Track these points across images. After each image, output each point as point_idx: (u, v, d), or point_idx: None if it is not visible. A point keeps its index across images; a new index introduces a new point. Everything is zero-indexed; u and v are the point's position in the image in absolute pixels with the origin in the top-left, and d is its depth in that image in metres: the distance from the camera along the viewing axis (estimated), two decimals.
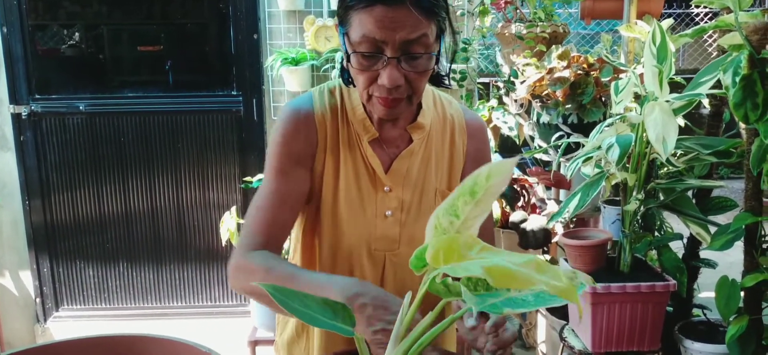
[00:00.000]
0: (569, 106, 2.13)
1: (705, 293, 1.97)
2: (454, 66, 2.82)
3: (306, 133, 1.17)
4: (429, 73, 1.09)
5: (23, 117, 3.08)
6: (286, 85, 2.96)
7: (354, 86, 1.14)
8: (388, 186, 1.19)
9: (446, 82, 1.21)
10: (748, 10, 1.41)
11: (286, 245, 1.33)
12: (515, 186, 2.64)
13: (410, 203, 1.21)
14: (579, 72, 2.10)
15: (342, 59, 1.12)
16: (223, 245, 2.62)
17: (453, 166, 1.25)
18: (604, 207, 1.99)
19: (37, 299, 3.27)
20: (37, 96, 3.10)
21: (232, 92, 3.12)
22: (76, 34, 3.15)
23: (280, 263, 1.07)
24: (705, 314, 1.85)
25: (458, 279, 0.64)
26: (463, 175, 1.26)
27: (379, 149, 1.19)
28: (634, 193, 1.64)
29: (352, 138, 1.18)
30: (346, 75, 1.14)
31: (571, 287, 0.50)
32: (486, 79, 3.34)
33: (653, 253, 1.90)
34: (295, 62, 2.86)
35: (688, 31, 1.57)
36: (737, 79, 1.35)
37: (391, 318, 0.87)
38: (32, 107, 3.08)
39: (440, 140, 1.24)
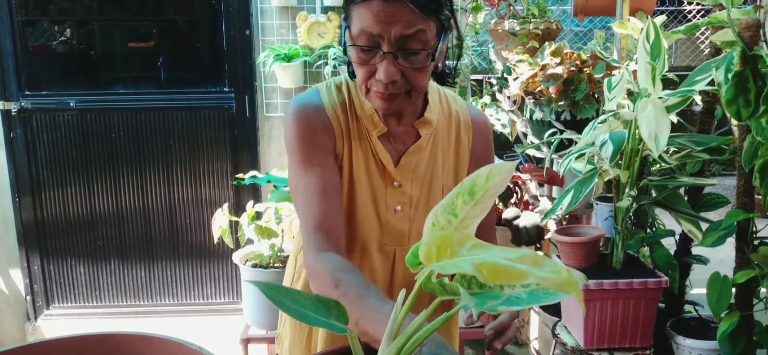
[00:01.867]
0: (562, 102, 2.13)
1: (697, 289, 1.98)
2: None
3: (323, 123, 1.16)
4: (428, 70, 1.09)
5: (13, 113, 3.05)
6: (279, 81, 2.95)
7: None
8: (398, 181, 1.19)
9: (450, 80, 1.22)
10: (740, 7, 1.41)
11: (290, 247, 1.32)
12: (508, 183, 2.64)
13: (418, 198, 1.21)
14: (572, 69, 2.10)
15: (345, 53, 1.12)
16: (215, 242, 2.61)
17: (459, 162, 1.26)
18: (597, 204, 1.99)
19: (28, 297, 3.25)
20: (28, 92, 3.07)
21: (224, 89, 3.11)
22: (67, 30, 3.13)
23: (350, 277, 1.01)
24: (697, 311, 1.86)
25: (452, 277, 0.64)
26: (468, 172, 1.26)
27: (388, 144, 1.19)
28: (627, 190, 1.65)
29: (362, 133, 1.18)
30: (351, 69, 1.14)
31: (570, 279, 0.50)
32: (479, 76, 3.34)
33: (645, 249, 1.91)
34: (288, 58, 2.85)
35: (681, 27, 1.57)
36: (729, 75, 1.35)
37: None
38: (22, 104, 3.06)
39: (446, 137, 1.24)
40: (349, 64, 1.14)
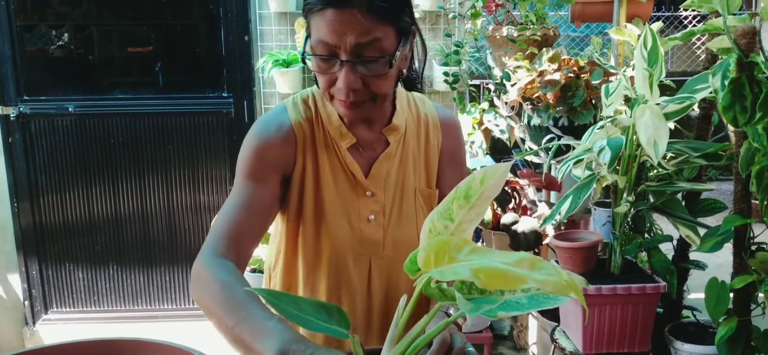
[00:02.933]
0: (560, 108, 2.13)
1: (694, 294, 1.98)
2: (446, 68, 2.82)
3: (282, 143, 1.16)
4: (390, 76, 1.08)
5: (12, 119, 3.05)
6: (278, 87, 2.95)
7: None
8: (370, 191, 1.19)
9: (419, 86, 1.22)
10: (736, 14, 1.42)
11: (264, 256, 1.32)
12: (506, 188, 2.65)
13: (392, 205, 1.21)
14: (569, 75, 2.11)
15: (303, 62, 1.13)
16: None
17: (429, 165, 1.26)
18: (595, 209, 2.00)
19: (26, 302, 3.25)
20: (26, 97, 3.07)
21: (223, 94, 3.11)
22: (65, 34, 3.13)
23: (238, 284, 0.98)
24: (695, 316, 1.86)
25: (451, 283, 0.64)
26: (439, 173, 1.27)
27: (357, 154, 1.20)
28: (625, 195, 1.65)
29: (330, 145, 1.18)
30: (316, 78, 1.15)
31: (571, 282, 0.50)
32: (477, 82, 3.35)
33: (643, 255, 1.91)
34: (287, 64, 2.86)
35: (678, 34, 1.58)
36: (726, 82, 1.36)
37: None
38: (21, 109, 3.06)
39: (416, 140, 1.24)
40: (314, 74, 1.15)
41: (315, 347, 0.77)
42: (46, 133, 3.10)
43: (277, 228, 1.26)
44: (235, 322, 0.89)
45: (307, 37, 1.07)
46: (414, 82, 1.22)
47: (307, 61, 1.07)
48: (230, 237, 1.08)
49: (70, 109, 3.08)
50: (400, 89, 1.23)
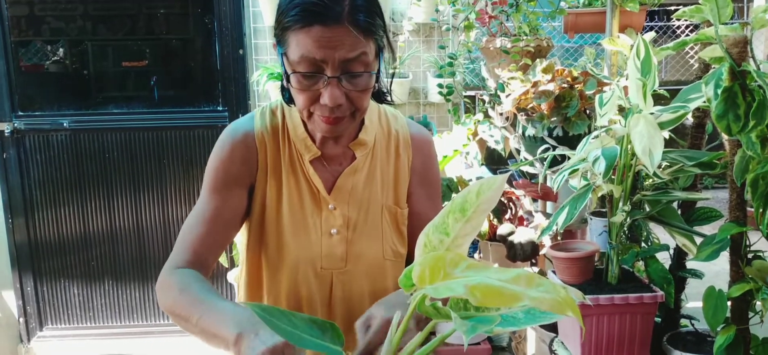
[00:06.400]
0: (554, 119, 2.14)
1: (692, 303, 1.98)
2: (440, 80, 2.83)
3: (245, 154, 1.17)
4: (370, 91, 1.09)
5: (6, 134, 3.04)
6: (272, 100, 2.95)
7: (295, 105, 1.14)
8: (332, 204, 1.19)
9: (389, 98, 1.22)
10: (727, 24, 1.43)
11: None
12: (502, 198, 2.64)
13: (356, 220, 1.20)
14: (563, 85, 2.12)
15: (282, 78, 1.12)
16: None
17: (398, 181, 1.25)
18: (591, 219, 1.99)
19: (21, 319, 3.22)
20: (21, 113, 3.07)
21: (218, 108, 3.11)
22: (60, 50, 3.13)
23: (196, 284, 1.05)
24: (693, 325, 1.86)
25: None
26: (409, 190, 1.26)
27: (322, 167, 1.19)
28: (621, 204, 1.65)
29: (294, 157, 1.18)
30: (287, 94, 1.14)
31: (568, 299, 0.50)
32: (472, 93, 3.36)
33: (640, 264, 1.91)
34: (281, 78, 2.86)
35: (670, 44, 1.58)
36: (719, 91, 1.36)
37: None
38: (15, 124, 3.05)
39: (385, 156, 1.24)
40: (282, 88, 1.14)
41: (261, 325, 0.85)
42: (41, 148, 3.09)
43: (241, 237, 1.26)
44: (198, 317, 0.96)
45: (282, 53, 1.06)
46: (384, 95, 1.21)
47: (290, 79, 1.06)
48: (192, 251, 1.13)
49: (64, 124, 3.07)
50: (372, 103, 1.23)
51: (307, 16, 1.00)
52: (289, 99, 1.14)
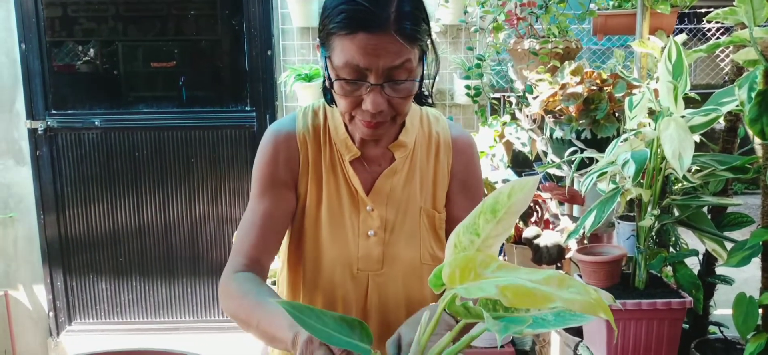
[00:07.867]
0: (582, 121, 2.12)
1: (721, 309, 1.94)
2: (467, 82, 2.82)
3: (287, 155, 1.18)
4: (412, 96, 1.09)
5: (39, 132, 3.12)
6: (300, 101, 2.98)
7: (336, 106, 1.13)
8: (371, 206, 1.18)
9: (430, 101, 1.21)
10: (763, 26, 1.40)
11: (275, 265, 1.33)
12: (531, 199, 2.62)
13: (393, 222, 1.19)
14: (592, 88, 2.10)
15: (324, 79, 1.12)
16: None
17: (437, 185, 1.23)
18: (619, 223, 1.97)
19: (51, 313, 3.29)
20: (54, 111, 3.14)
21: (246, 108, 3.14)
22: (92, 50, 3.19)
23: (255, 288, 1.05)
24: (722, 332, 1.83)
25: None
26: (448, 194, 1.24)
27: (361, 168, 1.19)
28: (649, 208, 1.63)
29: (334, 158, 1.18)
30: (328, 95, 1.14)
31: (600, 300, 0.49)
32: (498, 95, 3.34)
33: (668, 269, 1.88)
34: (309, 78, 2.88)
35: (703, 46, 1.56)
36: (753, 95, 1.34)
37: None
38: (48, 122, 3.12)
39: (425, 158, 1.23)
40: (324, 89, 1.14)
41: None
42: (73, 146, 3.16)
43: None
44: (257, 320, 0.97)
45: (326, 57, 1.06)
46: (424, 97, 1.21)
47: (333, 84, 1.06)
48: (248, 256, 1.14)
49: (96, 122, 3.13)
50: (414, 106, 1.22)
51: (352, 23, 0.99)
52: (331, 100, 1.14)
